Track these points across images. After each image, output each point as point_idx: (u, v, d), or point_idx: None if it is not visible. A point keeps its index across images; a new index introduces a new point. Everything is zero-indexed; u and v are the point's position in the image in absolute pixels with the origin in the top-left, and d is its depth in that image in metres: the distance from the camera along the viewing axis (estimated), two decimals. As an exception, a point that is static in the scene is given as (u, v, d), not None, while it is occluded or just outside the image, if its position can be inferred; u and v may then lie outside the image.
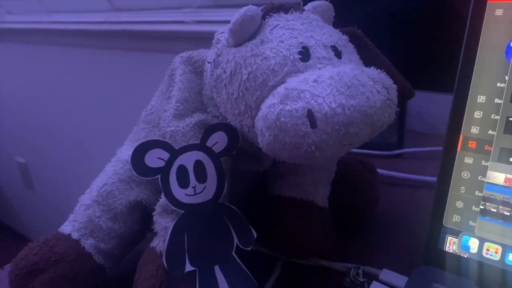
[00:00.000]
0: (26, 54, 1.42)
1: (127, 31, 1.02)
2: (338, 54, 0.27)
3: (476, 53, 0.31)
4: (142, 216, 0.36)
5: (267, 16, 0.28)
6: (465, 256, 0.31)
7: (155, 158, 0.28)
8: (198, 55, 0.35)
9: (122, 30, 1.03)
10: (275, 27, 0.27)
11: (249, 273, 0.31)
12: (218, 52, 0.30)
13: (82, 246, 0.33)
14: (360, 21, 0.34)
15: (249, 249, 0.31)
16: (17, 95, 1.56)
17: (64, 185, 1.50)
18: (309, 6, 0.30)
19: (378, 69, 0.26)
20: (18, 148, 1.70)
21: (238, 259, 0.31)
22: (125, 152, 0.37)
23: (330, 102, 0.23)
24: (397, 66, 0.33)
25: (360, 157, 0.43)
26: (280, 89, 0.25)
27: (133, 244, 0.37)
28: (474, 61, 0.31)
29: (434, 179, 0.48)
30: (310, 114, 0.23)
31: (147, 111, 0.37)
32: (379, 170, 0.50)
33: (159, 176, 0.29)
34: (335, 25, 0.32)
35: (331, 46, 0.27)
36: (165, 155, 0.28)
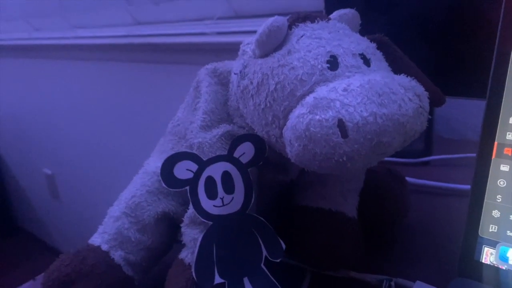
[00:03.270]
0: (53, 69, 1.47)
1: (149, 44, 1.04)
2: (367, 62, 0.27)
3: (510, 57, 0.30)
4: (170, 227, 0.36)
5: (293, 26, 0.28)
6: (504, 268, 0.30)
7: (184, 170, 0.28)
8: (223, 66, 0.35)
9: (144, 43, 1.05)
10: (301, 36, 0.27)
11: (278, 285, 0.30)
12: (245, 63, 0.30)
13: (111, 257, 0.33)
14: (386, 28, 0.34)
15: (278, 261, 0.31)
16: (45, 108, 1.60)
17: (89, 196, 1.53)
18: (335, 14, 0.30)
19: (409, 77, 0.26)
20: (45, 160, 1.75)
21: (267, 271, 0.30)
22: (152, 164, 0.37)
23: (361, 111, 0.23)
24: (426, 72, 0.32)
25: (388, 165, 0.42)
26: (309, 98, 0.25)
27: (161, 255, 0.37)
28: (508, 65, 0.30)
29: (464, 186, 0.47)
30: (341, 124, 0.23)
31: (173, 122, 0.37)
32: (407, 179, 0.49)
33: (187, 187, 0.29)
34: (361, 33, 0.31)
35: (360, 54, 0.27)
36: (194, 167, 0.29)
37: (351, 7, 0.31)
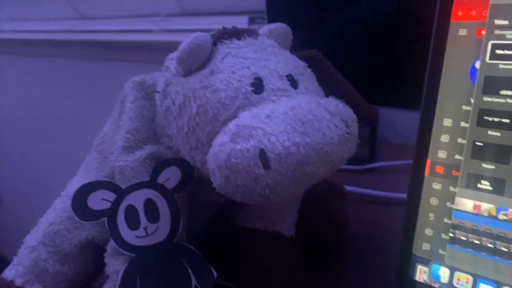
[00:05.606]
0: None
1: (92, 40, 0.98)
2: (295, 84, 0.25)
3: (441, 75, 0.30)
4: (96, 253, 0.33)
5: (219, 43, 0.26)
6: (436, 286, 0.30)
7: (99, 200, 0.26)
8: (151, 79, 0.32)
9: (87, 39, 0.99)
10: (226, 55, 0.25)
11: (209, 315, 0.28)
12: (167, 82, 0.27)
13: (26, 293, 0.30)
14: (325, 38, 0.33)
15: (209, 290, 0.29)
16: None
17: (34, 200, 1.44)
18: (265, 29, 0.29)
19: (337, 99, 0.25)
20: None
21: (197, 302, 0.28)
22: (76, 185, 0.34)
23: (283, 140, 0.21)
24: (364, 84, 0.32)
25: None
26: (231, 125, 0.23)
27: (87, 284, 0.34)
28: (439, 83, 0.30)
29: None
30: (262, 154, 0.21)
31: (98, 139, 0.35)
32: (350, 187, 0.49)
33: (105, 218, 0.26)
34: (298, 43, 0.30)
35: (287, 76, 0.25)
36: (111, 196, 0.26)
37: (292, 9, 0.30)
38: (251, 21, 0.68)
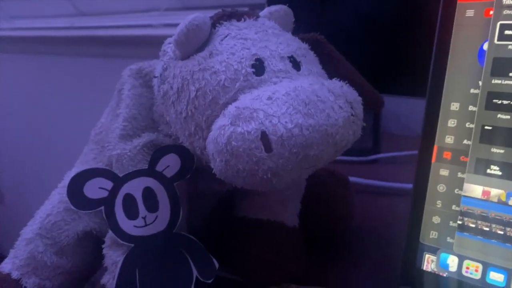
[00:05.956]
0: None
1: (92, 36, 0.98)
2: (297, 66, 0.25)
3: (448, 58, 0.29)
4: (95, 245, 0.32)
5: (218, 25, 0.26)
6: (444, 275, 0.29)
7: (95, 189, 0.25)
8: (149, 66, 0.32)
9: (87, 35, 0.99)
10: (225, 36, 0.25)
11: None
12: (165, 66, 0.27)
13: (23, 286, 0.29)
14: (326, 25, 0.32)
15: (210, 281, 0.28)
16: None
17: (36, 199, 1.44)
18: (265, 11, 0.28)
19: (341, 81, 0.24)
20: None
21: (198, 293, 0.28)
22: (73, 176, 0.33)
23: (286, 122, 0.20)
24: (368, 71, 0.31)
25: (334, 164, 0.40)
26: (231, 108, 0.22)
27: (86, 277, 0.33)
28: (446, 66, 0.29)
29: (411, 186, 0.46)
30: (264, 137, 0.20)
31: (96, 130, 0.34)
32: (354, 178, 0.48)
33: (102, 208, 0.25)
34: (299, 30, 0.29)
35: (289, 57, 0.24)
36: (108, 184, 0.25)
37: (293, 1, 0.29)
38: (251, 13, 0.67)
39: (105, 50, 0.99)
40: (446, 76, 0.29)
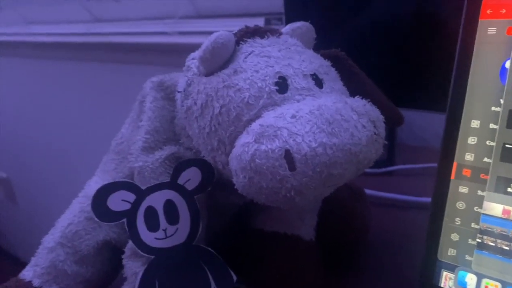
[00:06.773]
0: (5, 68, 1.38)
1: (108, 43, 0.99)
2: (319, 83, 0.25)
3: (468, 75, 0.29)
4: (114, 255, 0.33)
5: (241, 42, 0.26)
6: (463, 293, 0.29)
7: (119, 201, 0.25)
8: (170, 79, 0.32)
9: (103, 42, 1.00)
10: (249, 54, 0.25)
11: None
12: (189, 81, 0.27)
13: (44, 294, 0.30)
14: (345, 40, 0.32)
15: (228, 294, 0.28)
16: (-3, 108, 1.51)
17: (48, 200, 1.46)
18: (287, 28, 0.28)
19: (364, 99, 0.24)
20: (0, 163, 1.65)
21: (216, 306, 0.28)
22: (94, 185, 0.34)
23: (310, 141, 0.21)
24: (387, 85, 0.31)
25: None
26: (255, 125, 0.22)
27: (104, 286, 0.34)
28: (467, 83, 0.29)
29: (427, 199, 0.46)
30: (288, 155, 0.21)
31: (116, 140, 0.34)
32: (369, 191, 0.48)
33: (124, 220, 0.26)
34: (317, 45, 0.29)
35: (311, 75, 0.25)
36: (131, 197, 0.26)
37: (311, 10, 0.29)
38: (267, 22, 0.67)
39: (120, 56, 1.00)
40: (466, 94, 0.29)
